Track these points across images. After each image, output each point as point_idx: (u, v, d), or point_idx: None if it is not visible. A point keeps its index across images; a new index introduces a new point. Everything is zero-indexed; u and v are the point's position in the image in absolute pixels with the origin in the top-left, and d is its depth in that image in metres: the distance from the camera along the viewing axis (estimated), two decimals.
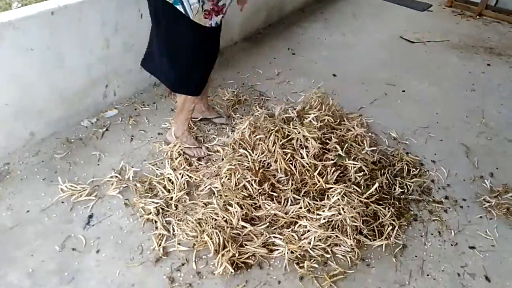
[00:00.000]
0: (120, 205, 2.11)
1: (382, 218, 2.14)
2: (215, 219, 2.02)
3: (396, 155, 2.64)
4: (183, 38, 2.07)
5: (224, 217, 2.02)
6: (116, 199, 2.14)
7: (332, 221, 2.01)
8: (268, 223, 2.06)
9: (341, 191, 2.07)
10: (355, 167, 2.21)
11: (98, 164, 2.33)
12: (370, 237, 2.07)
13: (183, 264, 1.88)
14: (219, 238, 1.90)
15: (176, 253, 1.92)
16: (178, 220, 2.05)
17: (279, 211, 2.08)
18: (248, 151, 2.23)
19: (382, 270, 1.97)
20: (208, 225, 1.96)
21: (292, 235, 1.98)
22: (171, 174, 2.23)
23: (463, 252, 2.10)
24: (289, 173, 2.20)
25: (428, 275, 1.97)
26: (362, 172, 2.23)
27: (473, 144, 2.89)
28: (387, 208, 2.21)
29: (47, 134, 2.44)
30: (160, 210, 2.09)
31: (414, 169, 2.57)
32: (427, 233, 2.19)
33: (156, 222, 2.02)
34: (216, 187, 2.15)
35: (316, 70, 3.61)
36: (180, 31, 2.03)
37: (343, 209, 2.00)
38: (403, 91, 3.46)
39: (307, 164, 2.18)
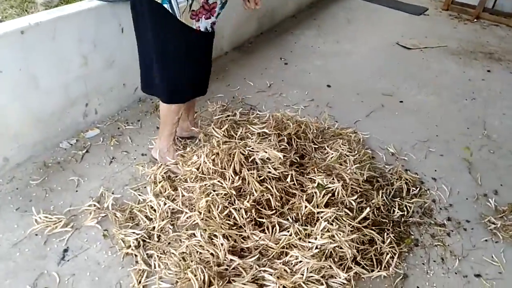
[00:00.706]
0: (98, 236, 1.96)
1: (380, 245, 1.99)
2: (200, 253, 1.87)
3: (394, 173, 2.50)
4: (171, 41, 1.94)
5: (209, 250, 1.86)
6: (94, 230, 1.99)
7: (325, 249, 1.87)
8: (258, 254, 1.91)
9: (331, 216, 1.92)
10: (345, 188, 2.06)
11: (76, 191, 2.18)
12: (367, 268, 1.92)
13: None
14: (204, 275, 1.75)
15: None
16: (160, 253, 1.90)
17: (269, 239, 1.93)
18: (218, 180, 2.07)
19: None
20: (193, 260, 1.81)
21: (284, 269, 1.83)
22: (152, 201, 2.08)
23: (469, 282, 1.95)
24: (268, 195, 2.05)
25: None
26: (356, 195, 2.08)
27: (475, 159, 2.74)
28: (385, 233, 2.06)
29: (23, 158, 2.29)
30: (141, 241, 1.94)
31: (414, 188, 2.43)
32: (429, 260, 2.04)
33: (136, 256, 1.87)
34: (199, 218, 1.98)
35: (309, 80, 3.47)
36: (168, 33, 1.91)
37: (333, 236, 1.85)
38: (401, 101, 3.32)
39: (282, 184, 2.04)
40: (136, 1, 1.91)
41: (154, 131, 2.65)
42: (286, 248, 1.89)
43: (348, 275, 1.83)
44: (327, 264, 1.82)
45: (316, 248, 1.84)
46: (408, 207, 2.28)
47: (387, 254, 1.98)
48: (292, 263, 1.86)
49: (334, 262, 1.85)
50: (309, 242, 1.87)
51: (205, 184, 2.05)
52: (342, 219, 1.95)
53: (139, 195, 2.17)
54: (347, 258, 1.86)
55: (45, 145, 2.38)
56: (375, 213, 2.15)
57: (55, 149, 2.41)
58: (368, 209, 2.02)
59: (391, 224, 2.15)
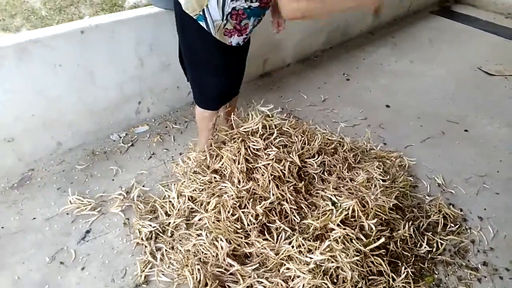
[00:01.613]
0: (119, 223, 2.11)
1: (392, 277, 1.86)
2: (204, 253, 1.92)
3: (434, 205, 2.31)
4: (204, 51, 2.02)
5: (211, 252, 1.90)
6: (117, 217, 2.15)
7: (325, 268, 1.80)
8: (257, 264, 1.90)
9: (340, 236, 1.84)
10: (364, 212, 1.95)
11: (113, 179, 2.37)
12: None
13: None
14: (200, 275, 1.79)
15: (156, 283, 1.85)
16: (169, 248, 1.99)
17: (272, 249, 1.91)
18: (227, 183, 2.09)
19: None
20: (194, 259, 1.87)
21: (280, 282, 1.80)
22: (174, 198, 2.18)
23: None
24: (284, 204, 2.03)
25: None
26: (376, 220, 1.96)
27: None
28: (403, 267, 1.92)
29: (75, 145, 2.55)
30: (155, 234, 2.04)
31: (453, 225, 2.22)
32: None
33: (146, 247, 1.98)
34: (209, 220, 2.03)
35: (368, 99, 3.35)
36: (202, 44, 2.00)
37: (335, 256, 1.76)
38: (466, 130, 3.05)
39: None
40: (176, 12, 2.03)
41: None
42: (286, 260, 1.86)
43: None
44: (324, 283, 1.74)
45: (315, 264, 1.78)
46: (439, 244, 2.09)
47: None
48: (291, 277, 1.82)
49: (333, 283, 1.77)
50: (307, 257, 1.81)
51: (215, 186, 2.10)
52: (352, 241, 1.85)
53: (166, 191, 2.29)
54: (348, 281, 1.76)
55: (96, 135, 2.63)
56: (397, 244, 2.02)
57: (105, 140, 2.65)
58: (383, 238, 1.89)
59: (412, 259, 2.00)
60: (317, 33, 3.90)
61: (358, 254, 1.80)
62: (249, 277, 1.85)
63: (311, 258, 1.80)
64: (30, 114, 2.26)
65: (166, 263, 1.92)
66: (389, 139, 2.87)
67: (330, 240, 1.83)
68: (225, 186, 2.08)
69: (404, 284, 1.86)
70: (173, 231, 2.07)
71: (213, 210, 2.03)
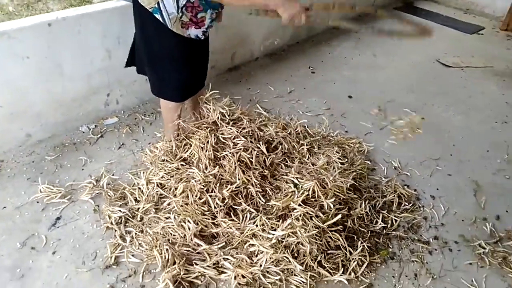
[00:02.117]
0: (89, 210, 2.17)
1: (349, 251, 1.99)
2: (173, 234, 2.01)
3: (389, 186, 2.47)
4: (163, 45, 2.07)
5: (179, 233, 1.99)
6: (87, 204, 2.21)
7: (287, 244, 1.92)
8: (224, 242, 2.00)
9: (301, 214, 1.96)
10: (324, 192, 2.08)
11: (82, 169, 2.43)
12: (330, 271, 1.93)
13: (130, 276, 1.88)
14: (168, 254, 1.88)
15: (126, 264, 1.93)
16: (138, 231, 2.06)
17: (237, 228, 2.02)
18: (192, 167, 2.20)
19: None
20: (163, 240, 1.95)
21: (244, 259, 1.90)
22: (143, 185, 2.26)
23: None
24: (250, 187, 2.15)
25: None
26: (334, 199, 2.09)
27: (486, 182, 2.61)
28: (360, 242, 2.06)
29: (45, 136, 2.59)
30: (124, 219, 2.11)
31: (407, 204, 2.38)
32: (401, 275, 2.00)
33: (115, 231, 2.05)
34: (178, 204, 2.12)
35: (332, 90, 3.50)
36: (161, 38, 2.05)
37: (295, 232, 1.89)
38: (422, 118, 3.22)
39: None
40: (134, 5, 2.07)
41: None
42: (250, 238, 1.97)
43: (306, 271, 1.86)
44: (285, 256, 1.86)
45: (277, 239, 1.90)
46: (393, 220, 2.25)
47: (355, 261, 1.97)
48: (255, 253, 1.93)
49: (294, 257, 1.89)
50: (270, 233, 1.93)
51: (182, 172, 2.20)
52: (312, 219, 1.98)
53: (135, 179, 2.36)
54: (307, 255, 1.89)
55: (66, 127, 2.67)
56: (355, 221, 2.15)
57: (75, 132, 2.70)
58: (340, 215, 2.02)
59: (368, 234, 2.14)
60: (284, 28, 4.02)
61: (316, 229, 1.93)
62: (216, 254, 1.95)
63: (273, 234, 1.92)
64: None
65: (136, 245, 2.00)
66: (350, 127, 3.01)
67: (291, 218, 1.95)
68: (193, 172, 2.17)
69: (360, 257, 2.00)
70: (142, 216, 2.15)
71: (181, 194, 2.12)
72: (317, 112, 3.16)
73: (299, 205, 2.03)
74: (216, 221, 2.06)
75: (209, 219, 2.07)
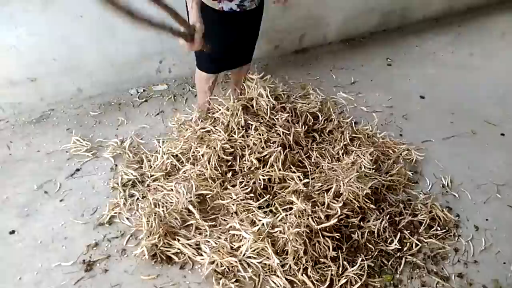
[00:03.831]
0: (107, 168, 2.27)
1: (343, 265, 1.77)
2: (170, 202, 2.00)
3: (425, 205, 2.13)
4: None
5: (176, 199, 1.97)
6: (107, 162, 2.30)
7: (271, 237, 1.79)
8: (214, 221, 1.94)
9: (297, 209, 1.80)
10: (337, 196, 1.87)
11: (117, 129, 2.53)
12: (315, 283, 1.73)
13: (116, 237, 1.92)
14: (154, 223, 1.87)
15: (118, 225, 1.97)
16: (141, 196, 2.09)
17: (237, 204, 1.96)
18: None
19: None
20: (156, 209, 1.95)
21: (225, 245, 1.81)
22: (161, 153, 2.27)
23: None
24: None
25: None
26: (348, 207, 1.88)
27: None
28: (361, 259, 1.82)
29: (95, 93, 2.76)
30: (133, 182, 2.16)
31: (440, 229, 2.03)
32: None
33: (120, 192, 2.10)
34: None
35: (403, 88, 3.12)
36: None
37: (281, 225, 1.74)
38: (502, 134, 2.71)
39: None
40: None
41: None
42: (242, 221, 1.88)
43: (287, 272, 1.72)
44: (265, 246, 1.74)
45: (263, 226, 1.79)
46: (414, 244, 1.94)
47: (346, 278, 1.75)
48: (239, 238, 1.84)
49: (276, 253, 1.75)
50: (257, 219, 1.81)
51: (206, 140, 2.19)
52: (308, 218, 1.80)
53: (159, 146, 2.38)
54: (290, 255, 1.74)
55: (116, 87, 2.80)
56: (364, 234, 1.91)
57: (124, 93, 2.82)
58: (335, 220, 1.80)
59: (376, 252, 1.88)
60: (368, 13, 3.69)
61: (308, 230, 1.75)
62: (200, 234, 1.90)
63: (259, 220, 1.80)
64: (52, 58, 2.49)
65: (133, 210, 2.03)
66: (408, 131, 2.66)
67: (294, 215, 1.81)
68: (218, 135, 2.13)
69: (356, 275, 1.76)
70: (150, 182, 2.17)
71: (200, 160, 2.11)
72: (375, 109, 2.85)
73: (304, 202, 1.87)
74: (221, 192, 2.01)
75: (217, 188, 2.03)
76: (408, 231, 1.99)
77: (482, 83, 3.24)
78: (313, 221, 1.79)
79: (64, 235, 1.92)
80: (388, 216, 2.02)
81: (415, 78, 3.25)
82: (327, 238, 1.79)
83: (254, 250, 1.77)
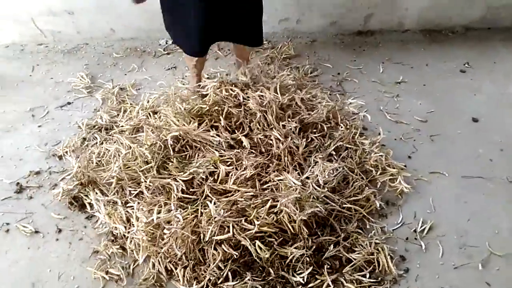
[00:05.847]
0: (92, 108, 2.41)
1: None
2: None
3: (371, 244, 1.75)
4: None
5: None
6: (95, 102, 2.44)
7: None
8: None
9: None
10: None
11: (125, 74, 2.64)
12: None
13: (57, 172, 2.07)
14: (85, 171, 1.94)
15: (64, 162, 2.11)
16: (99, 142, 2.17)
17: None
18: None
19: None
20: (97, 159, 2.02)
21: (122, 214, 1.80)
22: (140, 109, 2.29)
23: None
24: None
25: None
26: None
27: None
28: (247, 276, 1.62)
29: (128, 36, 2.89)
30: (104, 127, 2.24)
31: (369, 277, 1.66)
32: None
33: (84, 133, 2.22)
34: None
35: (457, 102, 2.49)
36: None
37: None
38: None
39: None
40: None
41: (226, 64, 2.71)
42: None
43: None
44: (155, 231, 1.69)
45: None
46: (326, 285, 1.63)
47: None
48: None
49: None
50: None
51: None
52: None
53: (147, 101, 2.39)
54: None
55: (148, 35, 2.89)
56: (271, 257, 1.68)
57: (154, 42, 2.90)
58: (229, 234, 1.61)
59: (273, 277, 1.65)
60: (469, 3, 2.96)
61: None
62: (117, 193, 1.91)
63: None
64: None
65: (86, 151, 2.12)
66: (421, 155, 2.16)
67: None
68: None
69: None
70: (116, 132, 2.23)
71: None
72: (400, 119, 2.37)
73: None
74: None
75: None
76: (328, 266, 1.69)
77: None
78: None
79: (22, 156, 2.14)
80: (319, 245, 1.72)
81: (485, 95, 2.56)
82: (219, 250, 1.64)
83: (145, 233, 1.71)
